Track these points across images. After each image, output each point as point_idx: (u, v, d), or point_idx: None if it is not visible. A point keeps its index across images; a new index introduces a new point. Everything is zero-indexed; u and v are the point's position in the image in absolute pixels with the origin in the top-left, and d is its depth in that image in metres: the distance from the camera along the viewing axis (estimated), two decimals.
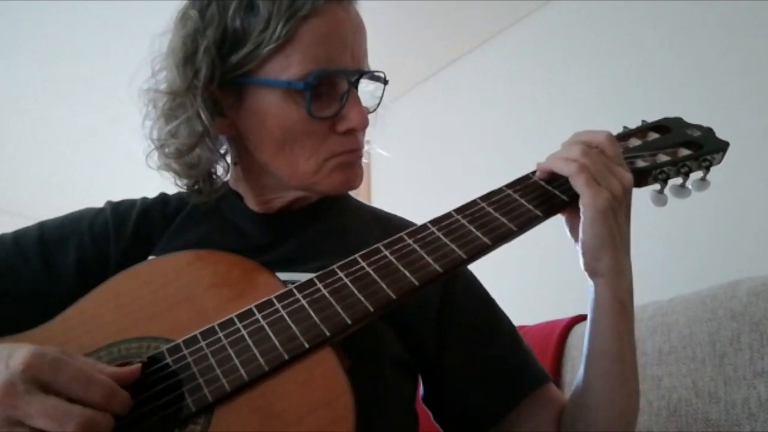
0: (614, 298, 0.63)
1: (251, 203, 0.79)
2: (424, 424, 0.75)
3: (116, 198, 0.82)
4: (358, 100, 0.69)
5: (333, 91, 0.68)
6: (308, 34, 0.66)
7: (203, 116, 0.68)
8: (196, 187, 0.77)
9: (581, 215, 0.62)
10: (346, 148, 0.70)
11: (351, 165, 0.72)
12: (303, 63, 0.66)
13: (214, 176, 0.79)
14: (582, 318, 1.15)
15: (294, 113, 0.67)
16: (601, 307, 0.64)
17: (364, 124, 0.69)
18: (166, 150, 0.72)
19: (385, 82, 0.74)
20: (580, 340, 1.10)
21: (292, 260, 0.72)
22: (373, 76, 0.72)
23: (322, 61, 0.66)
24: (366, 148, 0.74)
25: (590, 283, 0.65)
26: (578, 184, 0.61)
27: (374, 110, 0.74)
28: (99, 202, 0.82)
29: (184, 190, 0.79)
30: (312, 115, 0.67)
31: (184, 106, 0.68)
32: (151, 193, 0.84)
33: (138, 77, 0.72)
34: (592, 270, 0.64)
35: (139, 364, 0.53)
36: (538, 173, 0.67)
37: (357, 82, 0.69)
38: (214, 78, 0.68)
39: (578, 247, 0.64)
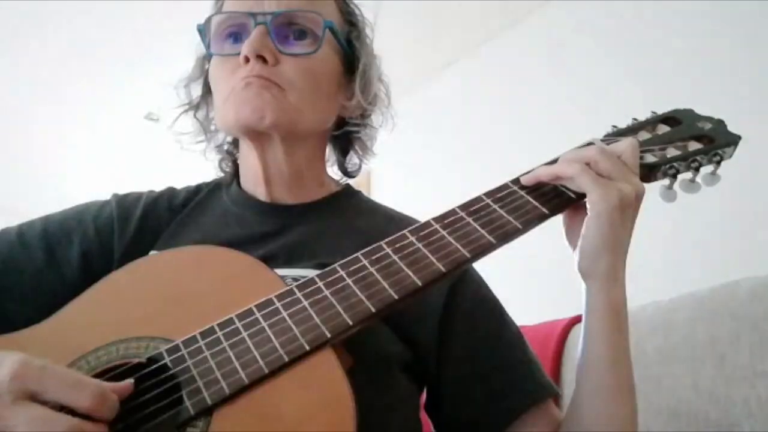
0: (608, 305, 0.61)
1: (256, 191, 0.79)
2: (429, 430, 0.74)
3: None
4: (253, 34, 0.71)
5: (237, 35, 0.75)
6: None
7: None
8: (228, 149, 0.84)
9: (587, 212, 0.60)
10: (240, 76, 0.72)
11: (243, 94, 0.71)
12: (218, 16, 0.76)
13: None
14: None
15: (213, 62, 0.76)
16: (594, 313, 0.62)
17: (248, 50, 0.70)
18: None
19: (277, 15, 0.74)
20: None
21: (296, 253, 0.71)
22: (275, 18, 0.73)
23: (224, 10, 0.76)
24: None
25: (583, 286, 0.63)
26: (584, 183, 0.60)
27: (282, 49, 0.73)
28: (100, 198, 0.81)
29: (218, 161, 0.85)
30: (210, 53, 0.76)
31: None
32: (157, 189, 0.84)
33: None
34: (588, 271, 0.62)
35: (131, 381, 0.52)
36: (540, 178, 0.64)
37: (257, 22, 0.72)
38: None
39: (576, 249, 0.63)
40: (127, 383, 0.51)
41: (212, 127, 0.83)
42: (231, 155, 0.85)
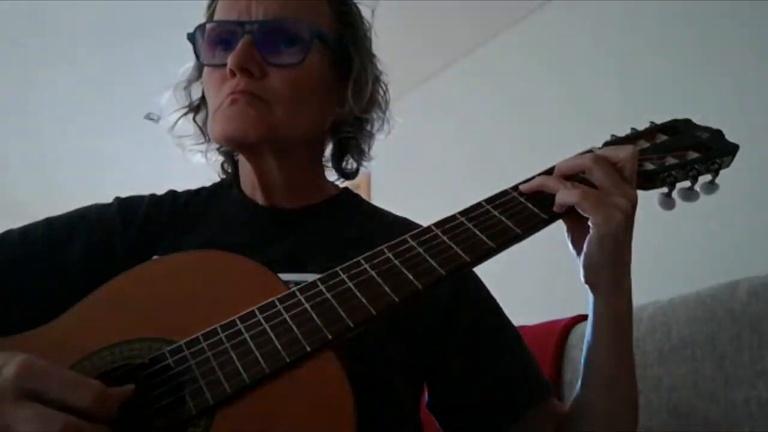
0: (613, 313, 0.63)
1: (256, 196, 0.80)
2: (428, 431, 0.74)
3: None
4: (239, 46, 0.71)
5: (226, 44, 0.73)
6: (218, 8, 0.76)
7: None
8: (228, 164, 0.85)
9: (589, 231, 0.61)
10: (227, 91, 0.71)
11: (228, 111, 0.71)
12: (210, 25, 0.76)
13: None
14: (582, 318, 1.15)
15: (204, 71, 0.76)
16: (599, 322, 0.64)
17: (234, 63, 0.70)
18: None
19: (265, 24, 0.73)
20: (580, 340, 1.10)
21: (297, 258, 0.72)
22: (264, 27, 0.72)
23: (215, 19, 0.76)
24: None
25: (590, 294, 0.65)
26: (586, 209, 0.60)
27: (271, 61, 0.72)
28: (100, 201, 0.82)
29: (218, 167, 0.86)
30: (201, 62, 0.76)
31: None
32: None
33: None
34: (593, 285, 0.63)
35: (131, 386, 0.52)
36: (538, 189, 0.64)
37: (244, 31, 0.71)
38: None
39: (579, 261, 0.63)
40: (127, 388, 0.52)
41: None
42: (231, 156, 0.85)
